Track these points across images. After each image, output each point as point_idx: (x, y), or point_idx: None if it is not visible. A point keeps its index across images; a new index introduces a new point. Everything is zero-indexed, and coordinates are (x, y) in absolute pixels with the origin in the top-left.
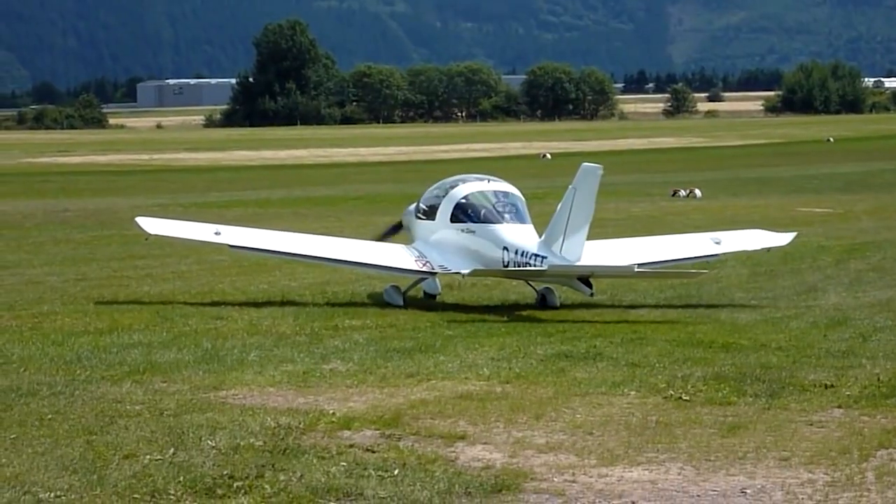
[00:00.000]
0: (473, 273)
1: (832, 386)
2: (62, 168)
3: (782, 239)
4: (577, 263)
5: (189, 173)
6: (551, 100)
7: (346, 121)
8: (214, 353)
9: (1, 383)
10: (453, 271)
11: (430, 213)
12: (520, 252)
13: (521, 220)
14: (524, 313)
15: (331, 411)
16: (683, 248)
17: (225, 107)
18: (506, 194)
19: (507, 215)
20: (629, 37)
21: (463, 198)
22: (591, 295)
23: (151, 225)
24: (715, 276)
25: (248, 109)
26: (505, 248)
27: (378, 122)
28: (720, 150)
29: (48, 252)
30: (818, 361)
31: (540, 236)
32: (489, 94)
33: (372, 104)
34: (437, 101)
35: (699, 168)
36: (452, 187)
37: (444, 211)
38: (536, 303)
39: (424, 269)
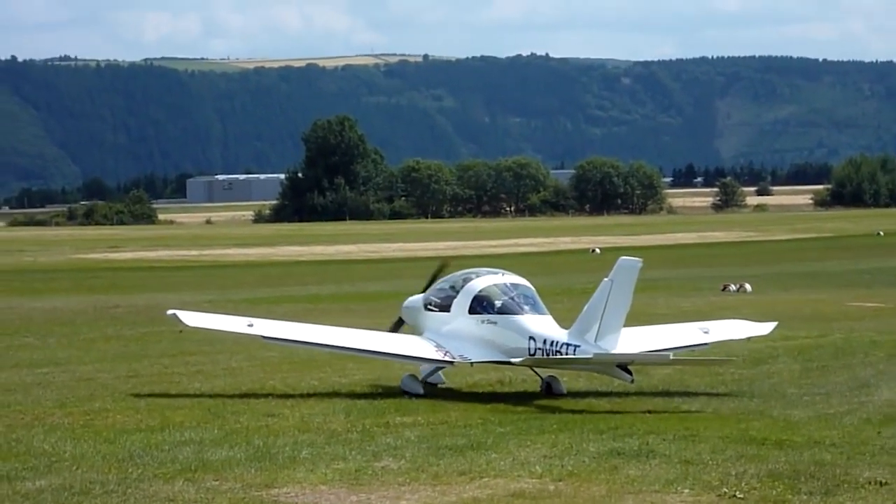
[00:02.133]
0: (520, 363)
1: (887, 483)
2: (112, 264)
3: (764, 328)
4: (616, 352)
5: (239, 269)
6: (600, 194)
7: (395, 216)
8: (266, 451)
9: (53, 482)
10: (473, 360)
11: (443, 305)
12: (548, 342)
13: (541, 312)
14: (576, 408)
15: None
16: (674, 337)
17: (274, 202)
18: (522, 286)
19: (525, 307)
20: (677, 131)
21: (481, 290)
22: (632, 381)
23: (189, 318)
24: (767, 371)
25: (297, 204)
26: (531, 338)
27: (427, 217)
28: (770, 244)
29: (99, 349)
30: (872, 458)
31: (566, 327)
32: (538, 189)
33: (420, 199)
34: (485, 196)
35: (749, 262)
36: (467, 280)
37: (461, 303)
38: (542, 391)
39: (445, 358)
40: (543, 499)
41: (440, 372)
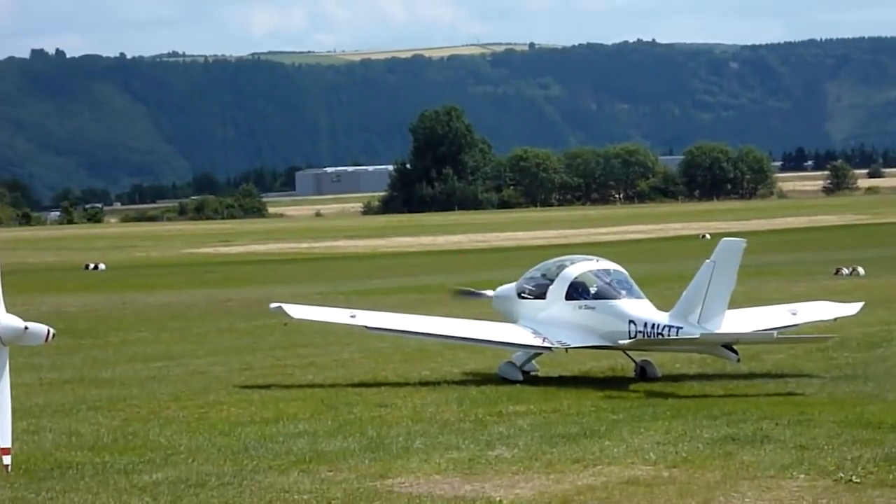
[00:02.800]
0: (627, 346)
1: None
2: (223, 258)
3: (851, 309)
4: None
5: (349, 261)
6: (709, 179)
7: (504, 205)
8: (380, 442)
9: (170, 474)
10: (571, 345)
11: (538, 293)
12: (649, 324)
13: (637, 296)
14: (689, 394)
15: (497, 499)
16: (763, 319)
17: (383, 193)
18: (617, 272)
19: (622, 291)
20: (787, 115)
21: (577, 277)
22: (738, 360)
23: (293, 310)
24: (881, 354)
25: (405, 195)
26: (631, 322)
27: (535, 206)
28: (883, 227)
29: (212, 342)
30: None
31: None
32: (646, 176)
33: (529, 188)
34: (594, 184)
35: (861, 246)
36: (562, 267)
37: (557, 290)
38: (636, 375)
39: (543, 344)
40: (658, 486)
41: (533, 361)
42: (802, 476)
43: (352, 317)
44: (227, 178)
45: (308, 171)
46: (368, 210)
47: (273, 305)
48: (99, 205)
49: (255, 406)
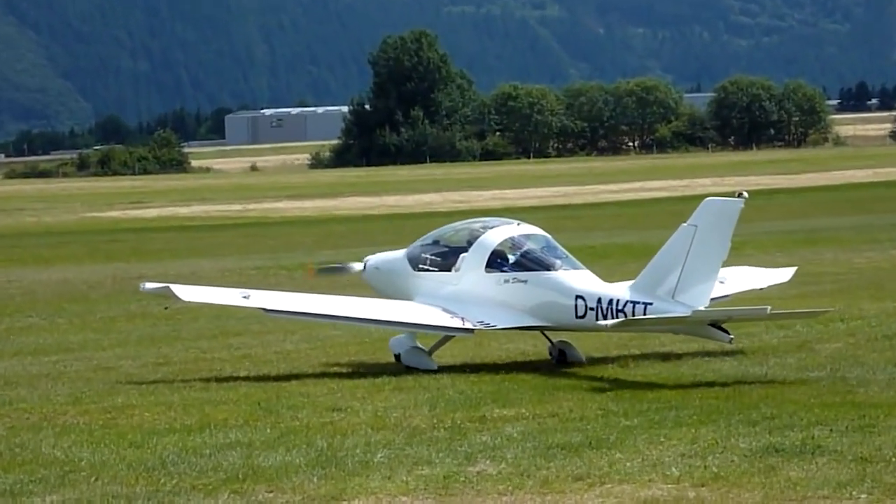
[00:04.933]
0: (612, 327)
1: None
2: (135, 224)
3: (782, 275)
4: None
5: (293, 226)
6: (747, 123)
7: (488, 156)
8: (332, 455)
9: (68, 496)
10: (499, 326)
11: (442, 264)
12: (604, 300)
13: (576, 266)
14: (720, 393)
15: None
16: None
17: (335, 142)
18: (545, 238)
19: (557, 260)
20: (845, 40)
21: (500, 244)
22: (731, 341)
23: (181, 291)
24: None
25: (364, 144)
26: (579, 298)
27: (528, 157)
28: None
29: (120, 330)
30: None
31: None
32: (668, 118)
33: (520, 134)
34: (601, 129)
35: None
36: (476, 233)
37: (474, 260)
38: (553, 359)
39: (464, 325)
40: None
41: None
42: (864, 496)
43: (245, 297)
44: (139, 122)
45: (241, 115)
46: (317, 163)
47: (148, 286)
48: None
49: (175, 410)
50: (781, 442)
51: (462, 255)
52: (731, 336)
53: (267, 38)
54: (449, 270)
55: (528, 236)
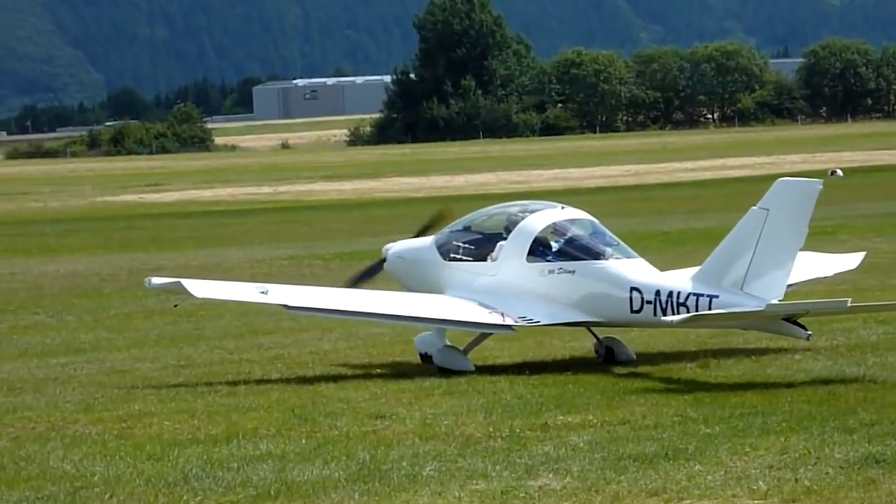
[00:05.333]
0: (679, 322)
1: None
2: (152, 209)
3: (849, 261)
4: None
5: (329, 211)
6: (840, 92)
7: (548, 130)
8: (375, 468)
9: None
10: (544, 323)
11: (476, 253)
12: (663, 293)
13: (629, 254)
14: (813, 396)
15: None
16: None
17: (376, 115)
18: (593, 224)
19: (607, 248)
20: None
21: (543, 230)
22: (808, 338)
23: (193, 287)
24: None
25: (408, 118)
26: (635, 290)
27: (593, 132)
28: None
29: (137, 328)
30: None
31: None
32: (751, 87)
33: (584, 106)
34: (676, 99)
35: None
36: (515, 219)
37: (514, 248)
38: (600, 357)
39: (505, 321)
40: None
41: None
42: None
43: (263, 293)
44: (157, 95)
45: (270, 86)
46: (356, 139)
47: (155, 281)
48: None
49: (199, 419)
50: (882, 452)
51: (500, 244)
52: (809, 332)
53: (300, 0)
54: (484, 260)
55: (573, 221)
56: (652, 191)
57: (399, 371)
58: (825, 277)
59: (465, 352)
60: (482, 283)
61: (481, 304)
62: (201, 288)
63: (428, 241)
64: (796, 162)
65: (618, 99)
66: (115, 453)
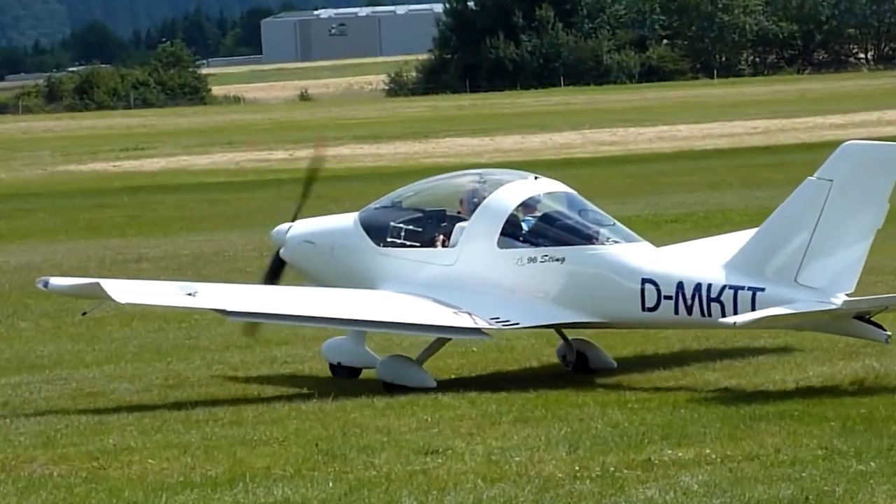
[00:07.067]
0: (745, 326)
1: None
2: (130, 180)
3: None
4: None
5: (362, 182)
6: None
7: (651, 74)
8: None
9: None
10: (524, 325)
11: (425, 235)
12: (688, 285)
13: (629, 237)
14: None
15: None
16: None
17: (423, 57)
18: (577, 199)
19: (603, 230)
20: None
21: (519, 207)
22: (888, 340)
23: (112, 289)
24: None
25: (467, 59)
26: (648, 282)
27: (710, 77)
28: None
29: (112, 337)
30: None
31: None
32: None
33: (697, 43)
34: (818, 34)
35: None
36: (475, 194)
37: (480, 230)
38: (568, 365)
39: (476, 324)
40: None
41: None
42: None
43: (190, 295)
44: (135, 32)
45: (284, 18)
46: (397, 88)
47: (55, 283)
48: None
49: (193, 455)
50: None
51: (459, 225)
52: (888, 333)
53: None
54: (433, 245)
55: (553, 196)
56: (787, 153)
57: (456, 391)
58: None
59: (420, 362)
60: (434, 276)
61: (438, 302)
62: (125, 289)
63: (348, 220)
64: None
65: (741, 34)
66: (85, 501)
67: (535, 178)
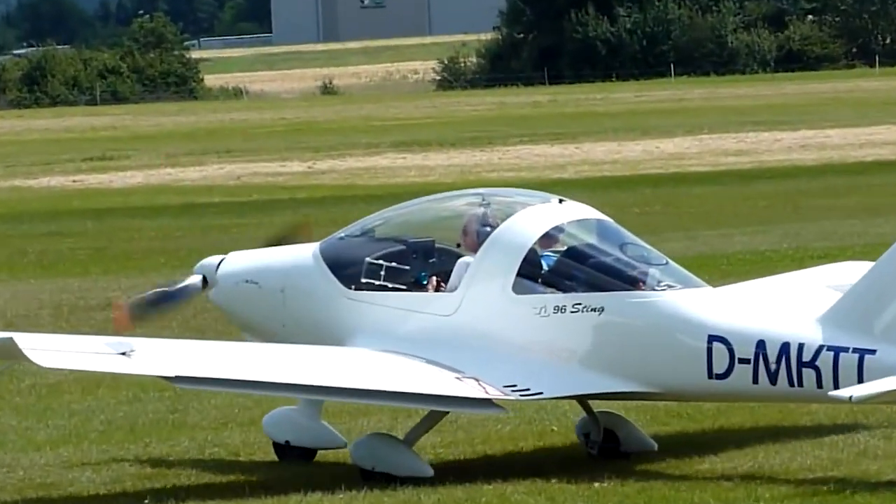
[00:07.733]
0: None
1: None
2: (98, 200)
3: None
4: None
5: (402, 199)
6: None
7: (792, 60)
8: None
9: None
10: (548, 396)
11: (412, 275)
12: (773, 344)
13: (687, 281)
14: None
15: None
16: None
17: (485, 37)
18: (614, 228)
19: (654, 271)
20: None
21: (540, 239)
22: None
23: (25, 344)
24: None
25: (543, 41)
26: (717, 341)
27: (869, 65)
28: None
29: (70, 409)
30: None
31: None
32: None
33: (852, 21)
34: None
35: None
36: (492, 217)
37: (490, 270)
38: (591, 446)
39: (486, 394)
40: None
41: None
42: None
43: (124, 354)
44: (102, 2)
45: None
46: (452, 78)
47: None
48: None
49: None
50: None
51: (461, 261)
52: None
53: None
54: (424, 288)
55: (584, 224)
56: None
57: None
58: None
59: (410, 443)
60: (427, 328)
61: (434, 364)
62: (49, 347)
63: (305, 253)
64: None
65: None
66: None
67: (560, 201)
